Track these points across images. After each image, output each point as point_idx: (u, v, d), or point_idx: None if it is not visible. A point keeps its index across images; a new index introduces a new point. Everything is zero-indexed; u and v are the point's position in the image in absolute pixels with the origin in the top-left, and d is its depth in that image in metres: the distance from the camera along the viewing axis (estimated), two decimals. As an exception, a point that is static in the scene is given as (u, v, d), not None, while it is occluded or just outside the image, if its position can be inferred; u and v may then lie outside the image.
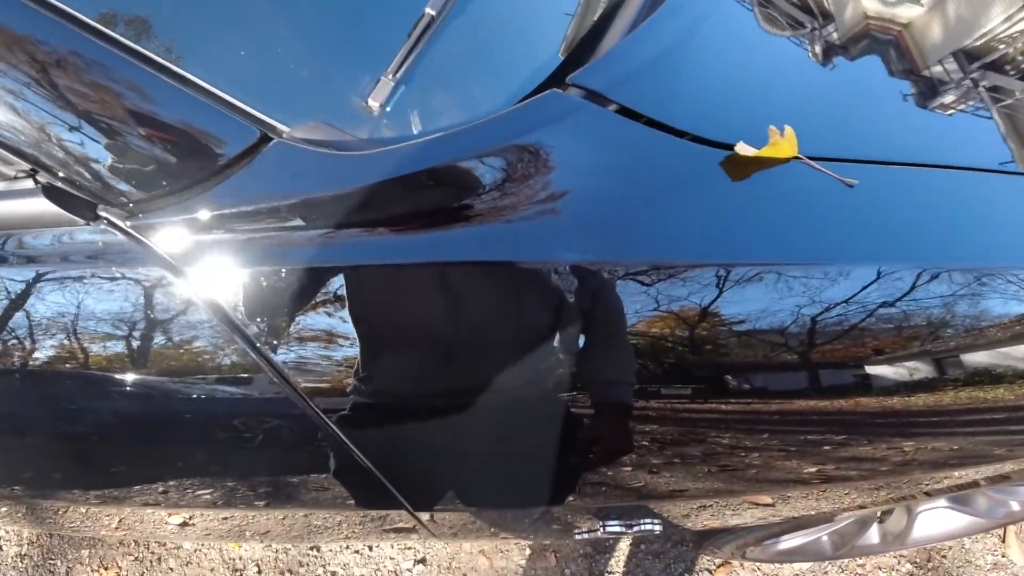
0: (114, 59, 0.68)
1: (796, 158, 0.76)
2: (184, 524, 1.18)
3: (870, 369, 0.76)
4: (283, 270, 0.70)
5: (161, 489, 1.02)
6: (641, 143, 0.77)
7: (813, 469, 0.88)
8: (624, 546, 1.72)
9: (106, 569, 1.81)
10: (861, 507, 1.11)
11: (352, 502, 0.97)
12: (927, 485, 1.04)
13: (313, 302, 0.71)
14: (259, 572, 1.74)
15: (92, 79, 0.68)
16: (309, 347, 0.73)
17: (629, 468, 0.85)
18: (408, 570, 1.70)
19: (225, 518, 1.13)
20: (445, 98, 0.79)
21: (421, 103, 0.78)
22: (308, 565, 1.74)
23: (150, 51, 0.69)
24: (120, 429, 0.89)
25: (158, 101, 0.69)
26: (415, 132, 0.76)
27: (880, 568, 1.75)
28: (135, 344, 0.75)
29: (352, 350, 0.74)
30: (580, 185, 0.74)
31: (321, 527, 1.15)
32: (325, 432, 0.80)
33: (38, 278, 0.75)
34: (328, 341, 0.73)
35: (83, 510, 1.17)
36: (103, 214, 0.71)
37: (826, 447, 0.83)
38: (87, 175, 0.70)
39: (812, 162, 0.76)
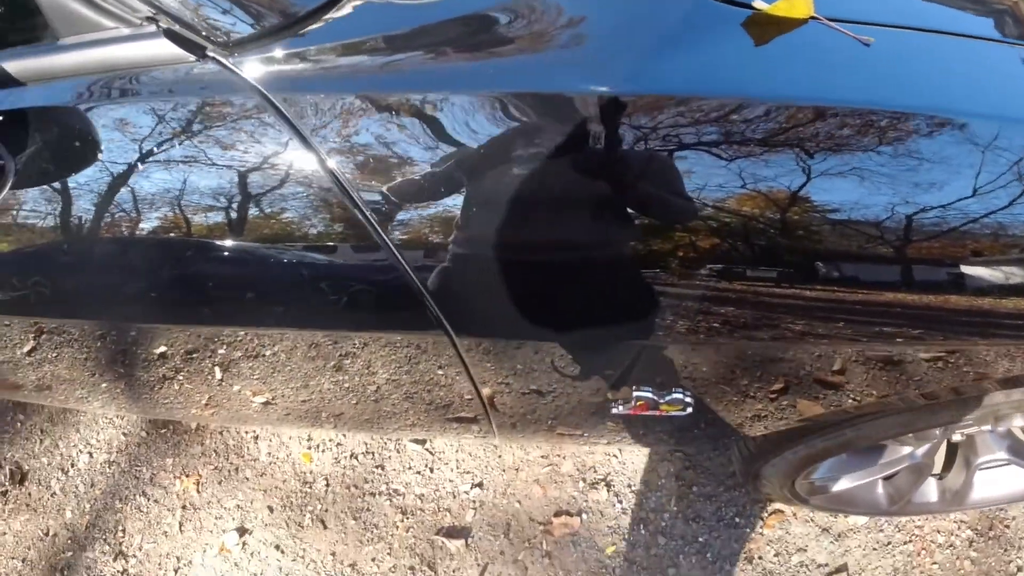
0: None
1: (813, 18, 0.80)
2: (267, 404, 1.29)
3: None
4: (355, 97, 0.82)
5: (249, 368, 1.15)
6: None
7: (879, 352, 0.92)
8: (675, 486, 1.79)
9: (187, 476, 1.96)
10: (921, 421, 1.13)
11: (421, 381, 1.07)
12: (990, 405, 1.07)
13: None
14: (327, 486, 1.87)
15: None
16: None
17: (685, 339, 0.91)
18: (465, 492, 1.80)
19: (304, 400, 1.24)
20: None
21: None
22: (372, 482, 1.85)
23: None
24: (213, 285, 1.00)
25: None
26: None
27: (939, 531, 1.73)
28: (230, 177, 0.87)
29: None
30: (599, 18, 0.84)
31: (389, 413, 1.24)
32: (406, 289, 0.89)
33: (148, 108, 0.87)
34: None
35: (176, 387, 1.29)
36: (211, 53, 0.83)
37: (897, 338, 0.88)
38: (199, 20, 0.81)
39: (829, 22, 0.80)
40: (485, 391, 1.08)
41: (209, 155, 0.86)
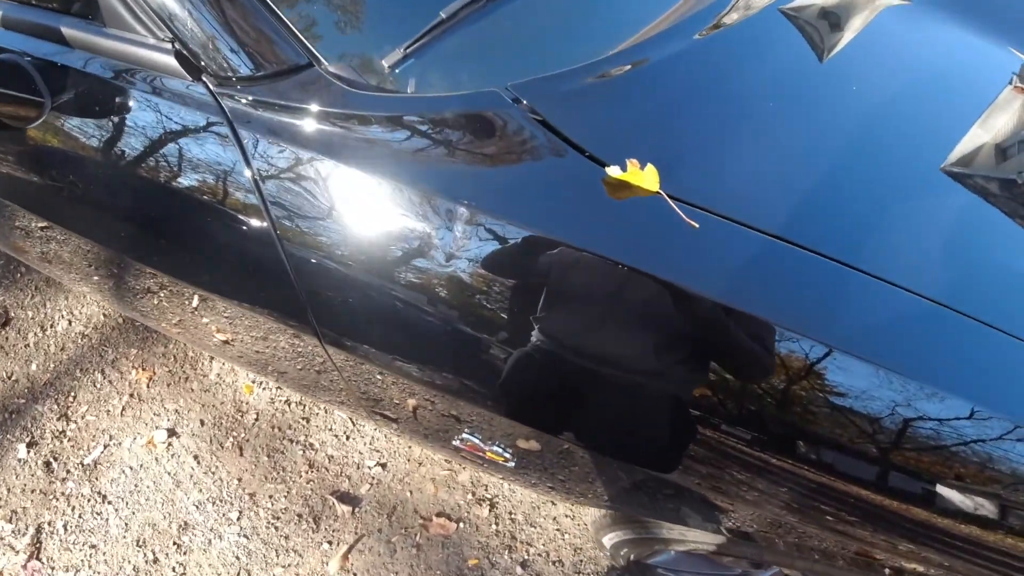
0: None
1: (658, 193, 0.89)
2: (226, 342, 1.45)
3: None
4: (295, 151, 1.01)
5: (223, 307, 1.30)
6: (542, 143, 0.97)
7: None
8: (551, 528, 1.95)
9: (143, 370, 2.18)
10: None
11: (362, 374, 1.20)
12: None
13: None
14: (256, 419, 2.08)
15: None
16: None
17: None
18: (369, 467, 1.99)
19: (258, 351, 1.39)
20: (434, 76, 1.07)
21: (417, 73, 1.06)
22: (294, 430, 2.06)
23: None
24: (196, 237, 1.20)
25: (260, 24, 1.03)
26: (406, 90, 1.04)
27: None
28: (180, 165, 1.10)
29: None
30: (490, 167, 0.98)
31: (326, 387, 1.37)
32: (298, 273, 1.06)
33: (151, 103, 1.10)
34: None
35: (155, 301, 1.47)
36: (203, 78, 1.05)
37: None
38: (200, 53, 1.03)
39: (670, 200, 0.88)
40: (411, 402, 1.19)
41: (178, 145, 1.10)
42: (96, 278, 1.59)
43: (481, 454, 1.18)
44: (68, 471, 2.00)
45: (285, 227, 1.02)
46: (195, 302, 1.37)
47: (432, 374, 1.07)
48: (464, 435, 1.16)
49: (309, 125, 1.00)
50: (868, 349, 0.87)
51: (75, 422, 2.09)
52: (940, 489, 0.89)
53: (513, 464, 1.16)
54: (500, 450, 1.14)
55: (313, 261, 1.02)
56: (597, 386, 0.97)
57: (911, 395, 0.86)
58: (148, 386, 2.16)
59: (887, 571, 1.04)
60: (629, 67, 1.07)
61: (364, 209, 0.98)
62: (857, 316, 0.90)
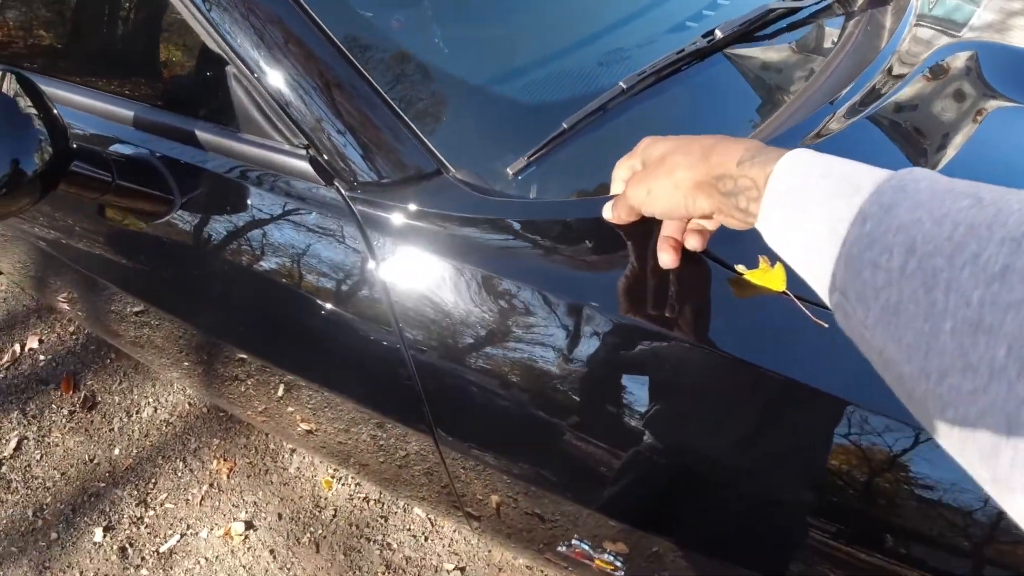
0: (368, 95, 1.04)
1: (784, 294, 0.85)
2: (309, 432, 1.45)
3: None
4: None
5: (308, 397, 1.31)
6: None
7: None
8: None
9: (224, 460, 2.17)
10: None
11: (442, 468, 1.19)
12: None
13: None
14: (334, 515, 2.03)
15: (355, 105, 1.04)
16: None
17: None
18: (447, 571, 1.92)
19: (341, 442, 1.38)
20: (554, 183, 1.06)
21: (539, 180, 1.06)
22: (372, 528, 2.00)
23: (392, 98, 1.04)
24: (287, 330, 1.23)
25: (392, 133, 1.04)
26: (529, 196, 1.04)
27: None
28: (313, 267, 1.10)
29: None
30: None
31: (407, 481, 1.35)
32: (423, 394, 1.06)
33: (280, 204, 1.12)
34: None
35: (242, 388, 1.48)
36: (335, 183, 1.05)
37: None
38: (334, 159, 1.04)
39: (797, 300, 0.85)
40: (494, 498, 1.18)
41: (306, 244, 1.11)
42: (187, 364, 1.61)
43: (589, 561, 1.13)
44: (143, 558, 1.97)
45: (410, 325, 1.02)
46: (280, 391, 1.38)
47: (545, 473, 1.05)
48: (573, 541, 1.11)
49: (439, 230, 1.00)
50: None
51: (153, 509, 2.07)
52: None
53: (622, 574, 1.10)
54: (611, 558, 1.08)
55: (436, 360, 1.02)
56: (715, 490, 0.92)
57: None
58: (228, 477, 2.13)
59: None
60: None
61: (491, 309, 0.98)
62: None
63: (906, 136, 1.16)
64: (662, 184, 0.75)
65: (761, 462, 0.88)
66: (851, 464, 0.85)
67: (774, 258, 0.86)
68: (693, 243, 0.83)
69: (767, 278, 0.86)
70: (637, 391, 0.92)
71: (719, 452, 0.90)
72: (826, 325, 0.84)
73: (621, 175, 0.87)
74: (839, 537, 0.86)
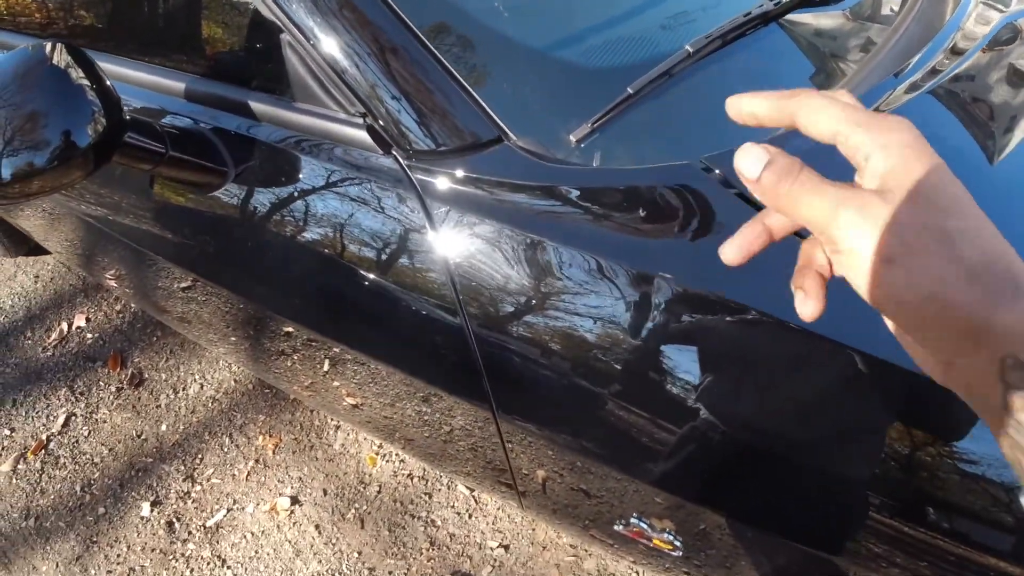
0: (428, 63, 1.01)
1: None
2: (355, 406, 1.45)
3: None
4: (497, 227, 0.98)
5: (353, 372, 1.31)
6: (739, 215, 0.90)
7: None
8: None
9: (270, 436, 2.18)
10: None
11: (489, 441, 1.18)
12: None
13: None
14: (379, 492, 2.04)
15: (412, 71, 1.01)
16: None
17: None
18: (491, 548, 1.92)
19: (387, 416, 1.38)
20: (619, 150, 1.02)
21: (603, 147, 1.01)
22: (417, 505, 2.01)
23: (449, 63, 1.01)
24: (334, 306, 1.22)
25: (451, 100, 1.01)
26: (592, 164, 1.00)
27: None
28: (369, 242, 1.08)
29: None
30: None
31: (452, 456, 1.35)
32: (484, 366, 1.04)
33: (339, 177, 1.10)
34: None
35: (289, 363, 1.49)
36: (393, 152, 1.03)
37: None
38: (392, 127, 1.02)
39: None
40: (540, 473, 1.17)
41: (362, 215, 1.08)
42: (234, 339, 1.61)
43: (646, 541, 1.10)
44: (190, 532, 2.00)
45: (470, 297, 1.00)
46: (326, 367, 1.38)
47: (595, 447, 1.02)
48: (632, 519, 1.09)
49: (500, 198, 0.98)
50: None
51: (200, 484, 2.09)
52: None
53: (680, 553, 1.08)
54: (670, 537, 1.06)
55: (497, 332, 1.00)
56: (778, 465, 0.89)
57: None
58: (274, 452, 2.15)
59: None
60: None
61: (552, 280, 0.95)
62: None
63: (972, 115, 1.12)
64: (921, 264, 0.35)
65: (825, 437, 0.86)
66: (917, 441, 0.83)
67: None
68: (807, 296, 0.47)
69: None
70: (697, 364, 0.90)
71: (782, 426, 0.87)
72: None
73: (819, 118, 0.42)
74: (899, 515, 0.84)
